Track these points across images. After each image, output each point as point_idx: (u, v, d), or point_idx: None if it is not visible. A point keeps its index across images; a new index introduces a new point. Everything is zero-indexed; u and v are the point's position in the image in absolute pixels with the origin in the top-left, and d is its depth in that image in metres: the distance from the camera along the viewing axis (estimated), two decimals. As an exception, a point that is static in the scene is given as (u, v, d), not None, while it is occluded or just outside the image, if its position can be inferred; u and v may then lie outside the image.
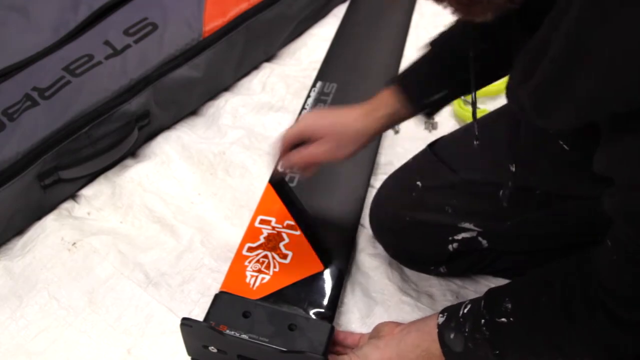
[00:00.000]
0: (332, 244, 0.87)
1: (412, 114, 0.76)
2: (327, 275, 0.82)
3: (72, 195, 1.02)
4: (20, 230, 0.97)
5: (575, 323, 0.56)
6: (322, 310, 0.78)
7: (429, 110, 0.76)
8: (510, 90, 0.47)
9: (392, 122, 0.76)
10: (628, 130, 0.42)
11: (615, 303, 0.52)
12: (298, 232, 0.87)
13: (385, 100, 0.74)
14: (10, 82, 1.01)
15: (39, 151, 0.94)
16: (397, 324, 0.72)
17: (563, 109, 0.42)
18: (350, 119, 0.74)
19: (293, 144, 0.75)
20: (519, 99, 0.45)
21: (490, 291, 0.64)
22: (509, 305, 0.60)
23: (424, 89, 0.74)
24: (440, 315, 0.67)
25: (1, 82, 1.01)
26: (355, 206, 0.94)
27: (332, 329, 0.73)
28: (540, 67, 0.41)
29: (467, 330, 0.63)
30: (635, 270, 0.50)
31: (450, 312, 0.66)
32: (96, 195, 1.01)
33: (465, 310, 0.64)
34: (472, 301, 0.65)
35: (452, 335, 0.64)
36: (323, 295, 0.80)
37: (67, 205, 1.00)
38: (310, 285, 0.81)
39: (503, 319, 0.60)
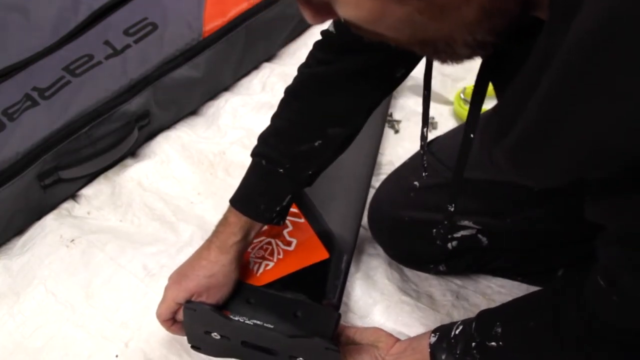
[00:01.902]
0: (338, 231, 0.85)
1: (266, 224, 0.76)
2: (333, 262, 0.81)
3: (72, 195, 1.02)
4: (20, 230, 0.97)
5: (562, 350, 0.56)
6: (329, 298, 0.76)
7: (280, 218, 0.75)
8: (483, 149, 0.46)
9: (250, 238, 0.75)
10: (618, 190, 0.40)
11: (612, 332, 0.52)
12: (302, 220, 0.86)
13: (234, 226, 0.73)
14: (10, 82, 1.01)
15: (39, 151, 0.94)
16: (396, 338, 0.73)
17: (540, 170, 0.41)
18: (209, 263, 0.72)
19: (171, 317, 0.74)
20: (493, 158, 0.44)
21: (482, 313, 0.65)
22: (499, 330, 0.61)
23: (268, 206, 0.73)
24: (432, 334, 0.67)
25: (1, 82, 1.01)
26: (361, 194, 0.93)
27: (339, 316, 0.72)
28: (516, 127, 0.39)
29: (458, 352, 0.63)
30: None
31: (442, 332, 0.67)
32: (96, 195, 1.01)
33: (457, 332, 0.65)
34: (464, 322, 0.66)
35: (443, 356, 0.65)
36: (329, 283, 0.78)
37: (67, 205, 1.01)
38: (315, 272, 0.80)
39: (493, 343, 0.61)
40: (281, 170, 0.72)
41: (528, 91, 0.37)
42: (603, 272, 0.50)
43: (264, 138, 0.74)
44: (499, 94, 0.55)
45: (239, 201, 0.73)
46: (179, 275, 0.73)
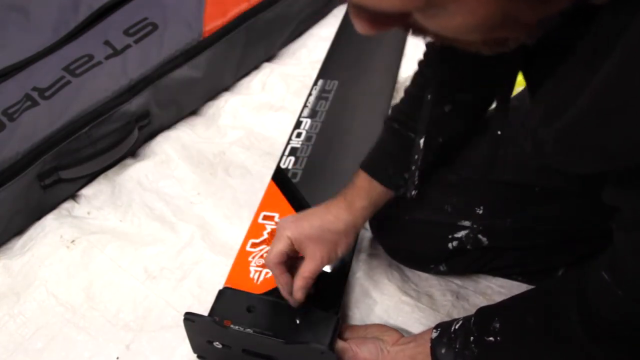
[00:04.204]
0: None
1: (394, 194, 0.75)
2: (332, 266, 0.81)
3: (72, 195, 1.02)
4: (20, 230, 0.97)
5: (558, 346, 0.57)
6: (327, 302, 0.76)
7: (406, 188, 0.74)
8: (528, 130, 0.46)
9: (376, 207, 0.74)
10: None
11: (616, 328, 0.52)
12: None
13: (361, 190, 0.72)
14: (10, 82, 1.01)
15: (39, 151, 0.94)
16: (401, 334, 0.73)
17: (591, 155, 0.41)
18: (333, 217, 0.70)
19: (284, 262, 0.71)
20: (539, 140, 0.44)
21: (481, 309, 0.66)
22: (498, 325, 0.61)
23: (397, 171, 0.73)
24: (434, 330, 0.68)
25: (1, 82, 1.00)
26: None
27: (338, 320, 0.73)
28: (571, 110, 0.39)
29: (457, 346, 0.64)
30: None
31: (443, 327, 0.68)
32: (96, 195, 1.01)
33: (457, 327, 0.66)
34: (464, 318, 0.66)
35: (443, 350, 0.65)
36: (328, 287, 0.78)
37: (67, 205, 1.01)
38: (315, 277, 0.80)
39: (491, 338, 0.61)
40: (412, 134, 0.72)
41: (587, 73, 0.37)
42: (610, 262, 0.50)
43: (396, 105, 0.76)
44: (532, 82, 0.55)
45: (368, 164, 0.74)
46: (296, 222, 0.70)
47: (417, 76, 0.76)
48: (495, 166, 0.62)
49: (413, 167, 0.70)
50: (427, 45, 0.74)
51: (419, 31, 0.40)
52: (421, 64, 0.75)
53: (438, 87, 0.70)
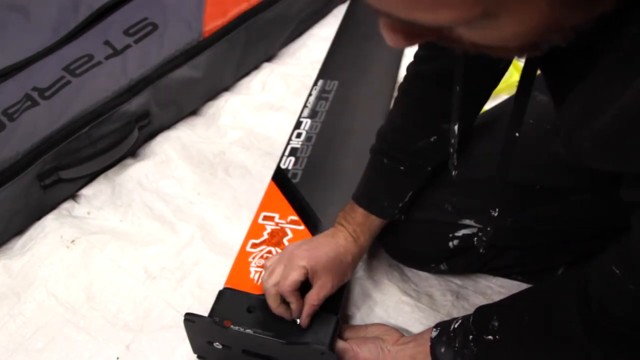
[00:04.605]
0: None
1: (389, 220, 0.78)
2: None
3: (72, 195, 1.02)
4: (20, 230, 0.97)
5: (557, 344, 0.57)
6: (327, 302, 0.76)
7: (402, 213, 0.78)
8: (560, 133, 0.46)
9: (375, 235, 0.79)
10: None
11: (622, 327, 0.52)
12: (302, 227, 0.87)
13: (364, 226, 0.76)
14: (10, 82, 1.00)
15: (39, 151, 0.94)
16: (401, 334, 0.74)
17: (629, 157, 0.41)
18: (343, 250, 0.74)
19: (298, 289, 0.72)
20: (574, 140, 0.44)
21: (480, 308, 0.66)
22: (496, 324, 0.62)
23: (392, 203, 0.77)
24: (434, 329, 0.69)
25: (1, 82, 1.00)
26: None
27: (338, 321, 0.73)
28: (610, 110, 0.39)
29: (456, 345, 0.65)
30: None
31: (443, 326, 0.68)
32: (96, 195, 1.01)
33: (456, 326, 0.66)
34: (463, 317, 0.67)
35: (442, 349, 0.66)
36: None
37: (67, 205, 1.01)
38: None
39: (490, 337, 0.62)
40: (402, 167, 0.74)
41: (627, 73, 0.38)
42: (623, 256, 0.50)
43: (382, 135, 0.77)
44: (557, 87, 0.55)
45: (363, 200, 0.76)
46: (308, 250, 0.73)
47: (396, 102, 0.76)
48: (510, 166, 0.62)
49: (451, 150, 0.69)
50: (408, 68, 0.75)
51: (451, 41, 0.39)
52: (400, 90, 0.75)
53: (422, 118, 0.73)
